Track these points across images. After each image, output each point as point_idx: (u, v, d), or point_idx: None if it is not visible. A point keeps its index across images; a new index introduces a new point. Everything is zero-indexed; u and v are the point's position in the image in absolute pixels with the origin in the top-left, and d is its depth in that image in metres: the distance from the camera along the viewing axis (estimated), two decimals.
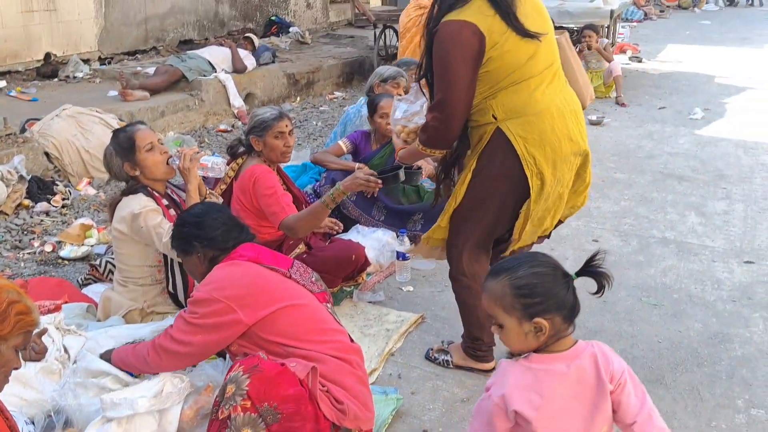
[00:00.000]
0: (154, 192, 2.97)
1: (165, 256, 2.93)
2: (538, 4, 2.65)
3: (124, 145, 2.91)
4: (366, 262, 3.49)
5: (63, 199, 4.76)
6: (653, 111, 7.83)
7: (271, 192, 3.19)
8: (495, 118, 2.57)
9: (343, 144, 4.36)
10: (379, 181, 2.94)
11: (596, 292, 1.81)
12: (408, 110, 2.79)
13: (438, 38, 2.49)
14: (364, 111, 4.45)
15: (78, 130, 5.32)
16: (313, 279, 2.48)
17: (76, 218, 4.51)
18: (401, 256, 3.71)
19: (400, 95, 4.14)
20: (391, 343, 3.17)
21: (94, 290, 3.31)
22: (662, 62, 11.13)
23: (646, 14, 17.16)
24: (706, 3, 20.40)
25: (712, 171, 5.75)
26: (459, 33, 2.45)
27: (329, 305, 2.46)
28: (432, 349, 3.08)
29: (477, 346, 2.94)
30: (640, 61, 10.90)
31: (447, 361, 3.01)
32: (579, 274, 1.81)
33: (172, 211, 2.99)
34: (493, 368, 2.92)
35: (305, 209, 3.24)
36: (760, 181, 5.55)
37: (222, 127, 6.96)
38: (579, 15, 8.90)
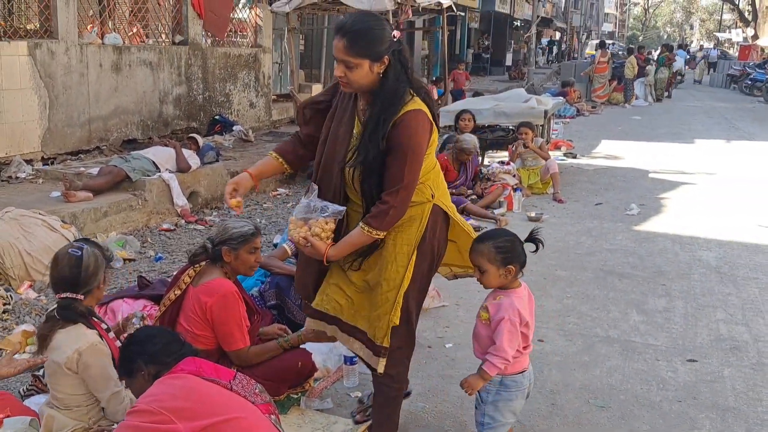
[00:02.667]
0: (93, 318, 2.93)
1: None
2: None
3: (108, 257, 2.95)
4: (313, 368, 3.46)
5: (4, 304, 4.62)
6: (590, 207, 8.11)
7: (238, 319, 3.22)
8: (433, 197, 2.87)
9: (288, 247, 4.40)
10: None
11: (534, 251, 2.89)
12: (322, 207, 2.78)
13: (407, 125, 2.67)
14: None
15: (20, 232, 5.22)
16: (257, 390, 2.46)
17: (17, 324, 4.37)
18: (349, 361, 3.68)
19: None
20: None
21: (37, 402, 3.17)
22: (597, 158, 11.61)
23: (578, 111, 17.99)
24: (636, 99, 21.55)
25: (651, 267, 5.93)
26: (424, 121, 2.71)
27: (273, 416, 2.44)
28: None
29: None
30: (574, 157, 11.35)
31: None
32: (526, 240, 2.89)
33: (111, 334, 2.99)
34: None
35: (260, 346, 3.31)
36: (698, 277, 5.75)
37: (165, 226, 6.90)
38: (514, 115, 9.29)
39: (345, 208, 2.79)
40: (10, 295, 4.79)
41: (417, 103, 2.72)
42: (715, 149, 13.16)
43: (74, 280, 2.88)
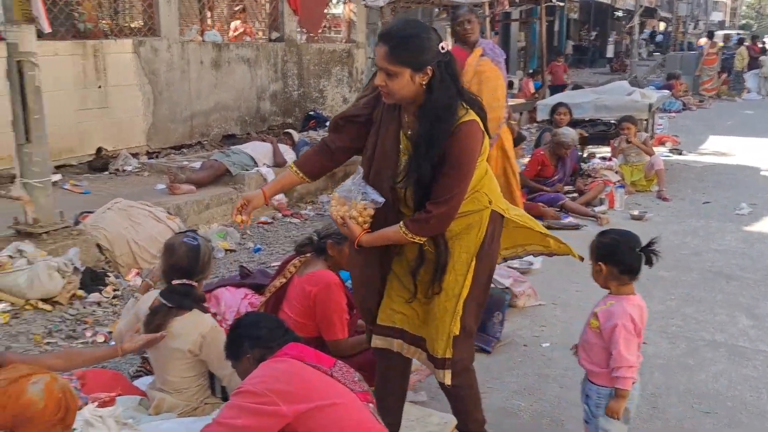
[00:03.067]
0: (204, 304, 3.06)
1: None
2: None
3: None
4: None
5: (114, 290, 4.88)
6: (697, 206, 7.75)
7: (339, 310, 3.32)
8: (490, 203, 2.79)
9: None
10: None
11: (646, 263, 2.74)
12: (363, 192, 2.74)
13: (459, 138, 2.57)
14: None
15: (128, 222, 5.49)
16: (356, 378, 2.50)
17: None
18: None
19: None
20: None
21: (145, 383, 3.32)
22: (704, 154, 11.08)
23: (684, 105, 17.22)
24: (747, 92, 20.43)
25: (762, 270, 5.61)
26: (476, 132, 2.61)
27: (372, 405, 2.47)
28: None
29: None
30: (680, 154, 10.88)
31: None
32: (641, 250, 2.73)
33: (218, 317, 3.08)
34: None
35: (356, 338, 3.39)
36: None
37: (263, 219, 7.08)
38: (616, 108, 8.97)
39: (384, 199, 2.70)
40: (120, 282, 5.06)
41: (470, 115, 2.61)
42: None
43: (190, 268, 2.99)
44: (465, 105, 2.62)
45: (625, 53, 29.25)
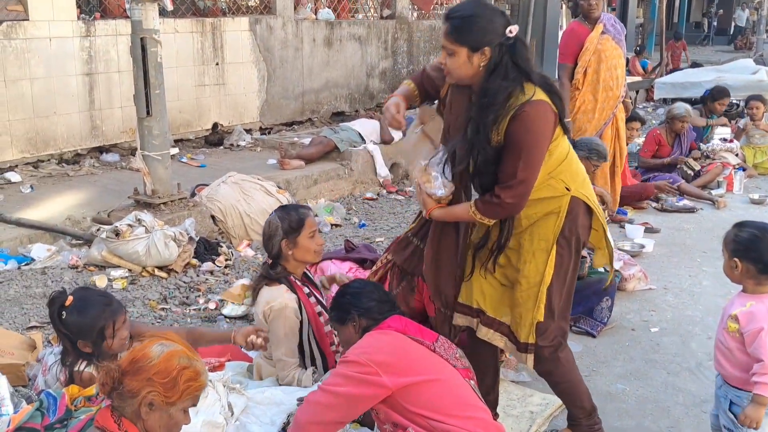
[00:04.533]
0: (296, 281, 3.13)
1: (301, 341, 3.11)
2: None
3: (294, 224, 3.08)
4: None
5: (226, 260, 5.07)
6: None
7: None
8: (568, 189, 2.68)
9: None
10: None
11: None
12: (445, 174, 2.70)
13: (523, 120, 2.50)
14: None
15: (241, 195, 5.70)
16: (458, 355, 2.54)
17: (237, 278, 4.78)
18: None
19: None
20: (535, 426, 3.10)
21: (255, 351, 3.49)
22: None
23: None
24: None
25: None
26: (545, 112, 2.53)
27: (472, 382, 2.51)
28: None
29: (595, 420, 2.93)
30: None
31: None
32: None
33: (312, 299, 3.16)
34: None
35: None
36: None
37: (368, 195, 7.19)
38: (740, 88, 8.55)
39: (452, 186, 2.69)
40: (231, 252, 5.27)
41: (538, 94, 2.52)
42: None
43: (265, 246, 3.18)
44: (532, 85, 2.53)
45: (752, 30, 27.54)
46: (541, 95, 2.53)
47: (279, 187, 6.07)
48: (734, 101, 8.66)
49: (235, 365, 3.22)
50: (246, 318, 4.19)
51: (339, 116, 9.71)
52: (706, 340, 3.84)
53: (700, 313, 4.33)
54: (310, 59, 9.25)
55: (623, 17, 19.90)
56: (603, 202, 4.75)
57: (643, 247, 5.25)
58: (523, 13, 15.78)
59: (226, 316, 4.23)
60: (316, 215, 5.84)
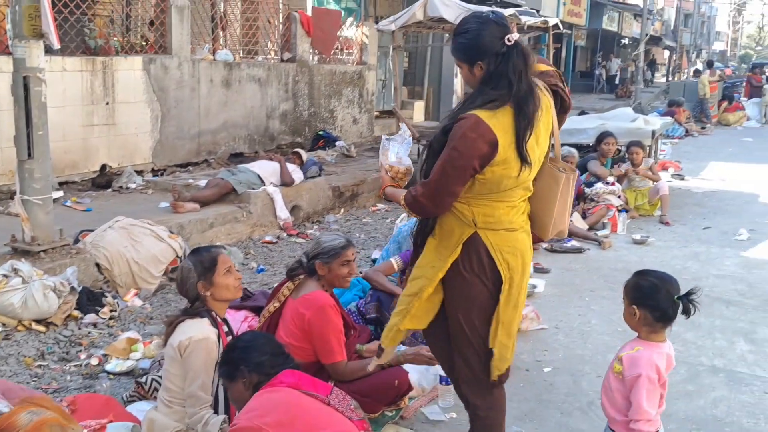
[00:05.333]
0: (217, 318, 3.04)
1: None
2: (549, 126, 2.74)
3: (206, 264, 3.01)
4: (409, 387, 3.45)
5: (111, 311, 4.82)
6: (698, 231, 7.75)
7: (336, 332, 3.29)
8: (474, 224, 2.67)
9: (395, 262, 4.42)
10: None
11: (683, 313, 2.59)
12: (399, 152, 2.89)
13: (460, 127, 2.55)
14: None
15: (129, 241, 5.46)
16: (352, 406, 2.49)
17: (122, 331, 4.56)
18: (444, 381, 3.64)
19: None
20: None
21: (139, 408, 3.31)
22: (705, 180, 11.11)
23: (687, 131, 17.28)
24: (747, 120, 20.52)
25: (761, 296, 5.61)
26: (481, 134, 2.51)
27: None
28: None
29: None
30: (682, 179, 10.91)
31: None
32: (679, 298, 2.58)
33: (229, 338, 3.06)
34: None
35: (357, 362, 3.37)
36: None
37: (267, 238, 7.09)
38: (621, 135, 8.98)
39: (408, 164, 2.86)
40: (117, 303, 5.01)
41: (491, 117, 2.52)
42: None
43: (180, 292, 3.09)
44: (501, 102, 2.55)
45: (631, 80, 29.42)
46: (494, 123, 2.52)
47: (171, 232, 5.88)
48: (618, 147, 9.14)
49: (119, 426, 3.02)
50: (132, 374, 3.98)
51: (238, 157, 9.60)
52: (595, 379, 3.96)
53: (589, 351, 4.48)
54: (208, 99, 9.13)
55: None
56: None
57: (535, 287, 5.39)
58: (420, 61, 16.27)
59: (109, 373, 3.99)
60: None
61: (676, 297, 2.58)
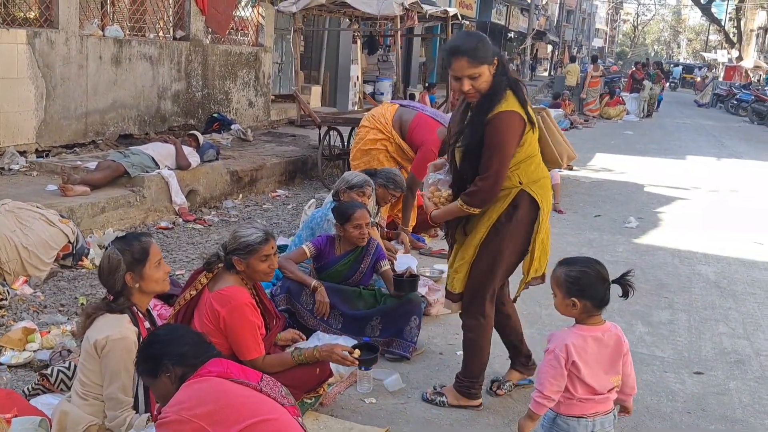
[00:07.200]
0: (139, 313, 2.86)
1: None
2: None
3: (137, 255, 2.82)
4: (330, 374, 3.41)
5: (0, 300, 4.47)
6: (590, 219, 8.11)
7: (251, 328, 3.17)
8: (520, 183, 3.30)
9: (307, 249, 4.32)
10: (356, 362, 3.28)
11: (623, 296, 2.71)
12: (441, 180, 3.42)
13: (496, 125, 3.15)
14: (331, 215, 4.44)
15: (17, 225, 5.08)
16: (284, 393, 2.42)
17: (15, 321, 4.25)
18: (363, 366, 3.62)
19: (365, 203, 4.24)
20: None
21: (44, 402, 3.08)
22: (593, 171, 11.65)
23: (572, 123, 18.05)
24: (627, 114, 21.68)
25: (653, 280, 5.94)
26: (513, 120, 3.17)
27: (300, 419, 2.41)
28: (427, 392, 3.62)
29: (472, 385, 3.54)
30: (571, 169, 11.36)
31: (443, 401, 3.56)
32: (614, 281, 2.67)
33: None
34: (481, 404, 3.60)
35: (275, 357, 3.29)
36: (699, 290, 5.77)
37: (163, 224, 6.81)
38: None
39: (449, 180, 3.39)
40: (7, 291, 4.66)
41: (510, 104, 3.16)
42: (707, 166, 13.29)
43: (104, 283, 2.90)
44: (512, 95, 3.19)
45: (517, 73, 30.41)
46: (512, 104, 3.16)
47: (62, 216, 5.53)
48: None
49: (24, 421, 2.79)
50: (30, 365, 3.71)
51: (127, 139, 9.13)
52: (505, 360, 4.05)
53: (498, 335, 4.58)
54: (96, 77, 8.62)
55: (408, 57, 21.07)
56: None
57: (442, 272, 5.45)
58: (317, 46, 16.09)
59: (5, 365, 3.69)
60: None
61: (611, 281, 2.66)
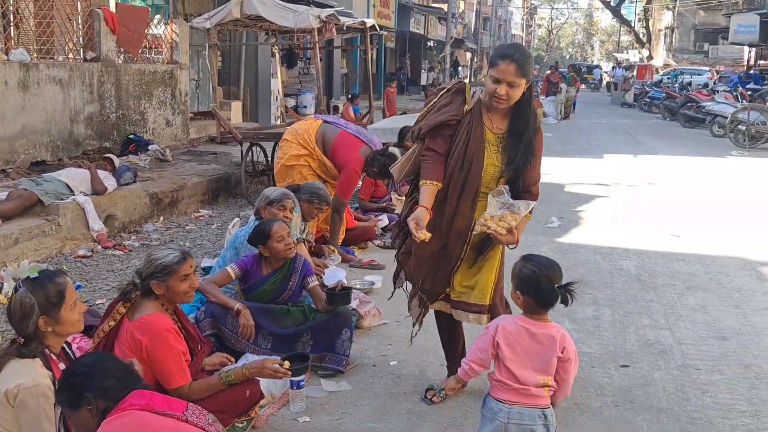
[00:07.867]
0: (52, 355, 2.71)
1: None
2: None
3: (52, 299, 2.65)
4: (261, 395, 3.33)
5: None
6: None
7: (175, 355, 3.07)
8: None
9: (232, 270, 4.19)
10: (289, 372, 3.18)
11: (562, 302, 2.79)
12: (511, 203, 3.30)
13: (539, 137, 3.46)
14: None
15: None
16: (210, 420, 2.37)
17: None
18: (295, 385, 3.57)
19: (287, 217, 4.18)
20: None
21: None
22: None
23: None
24: (544, 116, 22.25)
25: (576, 277, 5.97)
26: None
27: None
28: (428, 395, 3.73)
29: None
30: None
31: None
32: (559, 287, 2.76)
33: None
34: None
35: (202, 382, 3.16)
36: (621, 285, 5.93)
37: (81, 252, 6.56)
38: None
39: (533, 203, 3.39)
40: None
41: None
42: (624, 163, 13.74)
43: (15, 327, 2.71)
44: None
45: (438, 81, 30.84)
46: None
47: None
48: None
49: None
50: None
51: (40, 166, 8.78)
52: (440, 367, 4.06)
53: (431, 342, 4.57)
54: (3, 104, 8.26)
55: (329, 69, 21.08)
56: None
57: (373, 283, 5.44)
58: (235, 61, 15.89)
59: None
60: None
61: (556, 286, 2.76)
